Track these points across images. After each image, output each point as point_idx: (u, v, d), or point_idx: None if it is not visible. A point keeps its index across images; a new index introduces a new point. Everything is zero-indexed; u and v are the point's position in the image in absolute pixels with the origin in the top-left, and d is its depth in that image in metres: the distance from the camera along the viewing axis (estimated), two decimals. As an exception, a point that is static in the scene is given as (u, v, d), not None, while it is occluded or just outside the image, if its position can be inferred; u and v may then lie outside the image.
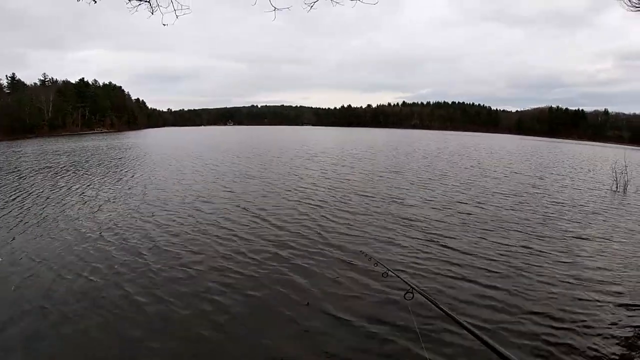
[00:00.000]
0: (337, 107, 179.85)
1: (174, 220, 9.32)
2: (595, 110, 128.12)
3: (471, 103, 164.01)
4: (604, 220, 10.34)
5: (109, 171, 18.72)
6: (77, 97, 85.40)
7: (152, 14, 4.88)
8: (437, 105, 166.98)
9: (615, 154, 31.29)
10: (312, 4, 4.96)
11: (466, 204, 11.78)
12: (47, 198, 11.95)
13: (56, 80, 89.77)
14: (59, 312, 4.95)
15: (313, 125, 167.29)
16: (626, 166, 16.62)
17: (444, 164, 23.77)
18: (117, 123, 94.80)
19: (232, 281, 5.93)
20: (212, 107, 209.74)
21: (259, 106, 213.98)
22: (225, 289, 5.68)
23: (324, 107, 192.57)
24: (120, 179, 16.21)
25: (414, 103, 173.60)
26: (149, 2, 4.85)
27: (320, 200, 11.69)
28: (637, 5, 6.27)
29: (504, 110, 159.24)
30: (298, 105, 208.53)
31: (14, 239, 7.98)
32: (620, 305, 5.36)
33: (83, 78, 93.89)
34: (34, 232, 8.44)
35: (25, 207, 10.70)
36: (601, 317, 5.00)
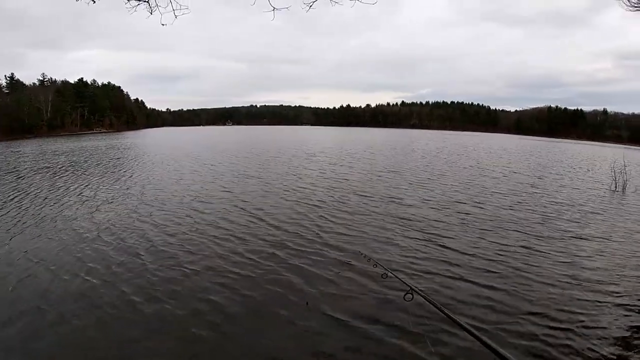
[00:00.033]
0: (336, 107, 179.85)
1: (171, 221, 9.30)
2: (594, 110, 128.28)
3: (470, 103, 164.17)
4: (603, 220, 10.33)
5: (108, 171, 18.69)
6: (75, 97, 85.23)
7: (151, 13, 4.89)
8: (436, 105, 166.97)
9: (614, 153, 31.30)
10: (311, 4, 4.95)
11: (465, 203, 11.77)
12: (45, 198, 11.93)
13: (55, 80, 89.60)
14: (56, 313, 4.93)
15: (312, 125, 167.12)
16: (625, 166, 16.64)
17: (443, 164, 23.77)
18: (116, 123, 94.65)
19: (230, 281, 5.91)
20: (211, 107, 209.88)
21: (258, 106, 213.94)
22: (223, 289, 5.66)
23: (323, 107, 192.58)
24: (119, 179, 16.18)
25: (412, 103, 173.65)
26: (147, 2, 4.84)
27: (319, 200, 11.67)
28: (636, 5, 6.26)
29: (502, 110, 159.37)
30: (297, 105, 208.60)
31: (12, 239, 7.96)
32: (619, 305, 5.35)
33: (82, 78, 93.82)
34: (31, 232, 8.41)
35: (23, 208, 10.68)
36: (600, 317, 4.99)
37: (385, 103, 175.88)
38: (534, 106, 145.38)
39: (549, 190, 14.98)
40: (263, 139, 53.36)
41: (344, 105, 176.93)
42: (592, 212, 11.22)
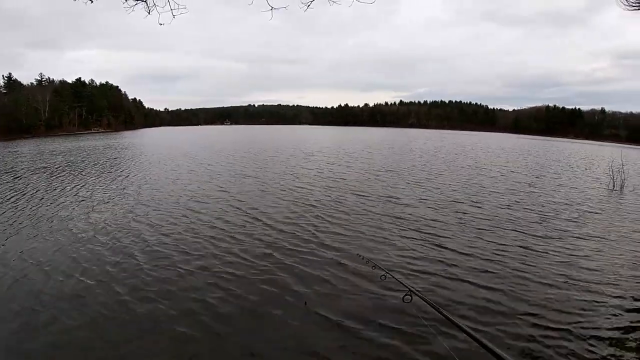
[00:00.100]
0: (334, 107, 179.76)
1: (167, 221, 9.26)
2: (592, 109, 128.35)
3: (468, 102, 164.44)
4: (601, 219, 10.32)
5: (105, 171, 18.62)
6: (73, 97, 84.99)
7: (149, 13, 4.88)
8: (434, 104, 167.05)
9: (612, 152, 31.31)
10: (309, 3, 4.93)
11: (463, 203, 11.75)
12: (42, 198, 11.87)
13: (53, 80, 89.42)
14: (51, 313, 4.91)
15: (310, 124, 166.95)
16: (623, 165, 16.65)
17: (441, 163, 23.78)
18: (114, 123, 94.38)
19: (226, 282, 5.87)
20: (209, 107, 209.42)
21: (256, 105, 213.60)
22: (218, 289, 5.62)
23: (321, 107, 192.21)
24: (115, 179, 16.12)
25: (411, 102, 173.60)
26: (145, 1, 4.82)
27: (316, 200, 11.64)
28: (633, 5, 6.23)
29: (500, 109, 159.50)
30: (295, 105, 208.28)
31: (7, 239, 7.93)
32: (617, 305, 5.32)
33: (80, 78, 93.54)
34: (27, 232, 8.37)
35: (19, 208, 10.62)
36: (597, 317, 4.96)
37: (383, 102, 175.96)
38: (532, 105, 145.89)
39: (546, 190, 14.97)
40: (261, 139, 53.31)
41: (342, 105, 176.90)
42: (590, 212, 11.21)
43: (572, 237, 8.56)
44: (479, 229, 8.94)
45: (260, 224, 9.04)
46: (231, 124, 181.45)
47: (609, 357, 4.12)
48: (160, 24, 4.94)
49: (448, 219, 9.73)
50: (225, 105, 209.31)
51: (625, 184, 16.12)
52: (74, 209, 10.52)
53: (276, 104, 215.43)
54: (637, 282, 6.14)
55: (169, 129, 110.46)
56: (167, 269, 6.35)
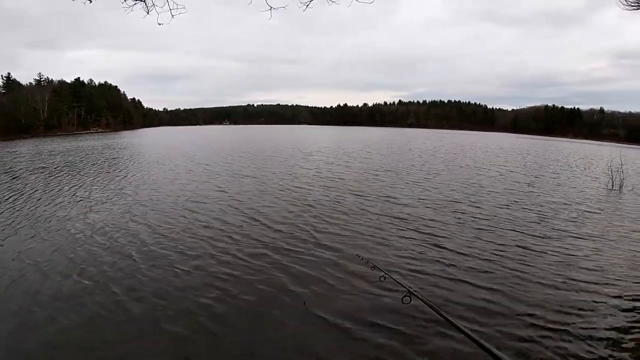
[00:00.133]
0: (334, 106, 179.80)
1: (165, 221, 9.23)
2: (590, 109, 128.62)
3: (467, 102, 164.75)
4: (600, 219, 10.32)
5: (103, 171, 18.58)
6: (72, 96, 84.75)
7: (148, 13, 4.89)
8: (433, 104, 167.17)
9: (611, 152, 31.37)
10: (307, 3, 4.94)
11: (462, 203, 11.75)
12: (40, 199, 11.83)
13: (52, 80, 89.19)
14: (48, 313, 4.89)
15: (309, 124, 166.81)
16: (622, 164, 16.66)
17: (440, 163, 23.80)
18: (112, 123, 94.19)
19: (224, 283, 5.85)
20: (208, 107, 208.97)
21: (255, 105, 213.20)
22: (216, 290, 5.60)
23: (320, 107, 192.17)
24: (114, 179, 16.09)
25: (410, 102, 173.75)
26: (144, 1, 4.81)
27: (314, 200, 11.62)
28: (632, 4, 6.22)
29: (499, 109, 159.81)
30: (294, 105, 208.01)
31: (5, 239, 7.89)
32: (615, 306, 5.32)
33: (79, 78, 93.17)
34: (25, 233, 8.34)
35: (17, 208, 10.58)
36: (596, 318, 4.95)
37: (382, 102, 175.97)
38: (531, 105, 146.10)
39: (545, 189, 14.98)
40: (259, 139, 53.29)
41: (341, 105, 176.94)
42: (589, 211, 11.21)
43: (571, 236, 8.56)
44: (478, 228, 8.93)
45: (258, 224, 9.02)
46: (230, 123, 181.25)
47: (607, 357, 4.11)
48: (159, 24, 4.95)
49: (447, 219, 9.72)
50: (224, 105, 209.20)
51: (624, 184, 16.12)
52: (71, 209, 10.49)
53: (275, 103, 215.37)
54: (636, 282, 6.14)
55: (167, 129, 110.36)
56: (165, 269, 6.33)
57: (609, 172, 16.75)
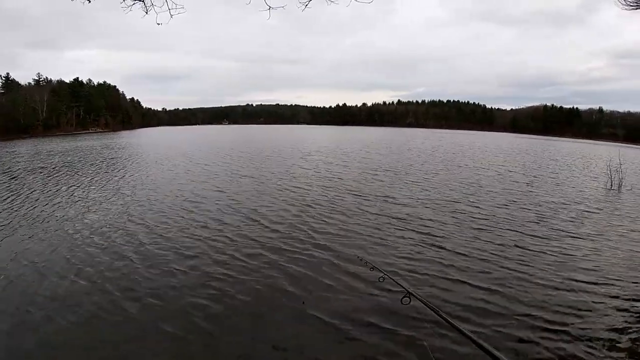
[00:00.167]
0: (333, 106, 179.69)
1: (163, 222, 9.21)
2: (589, 109, 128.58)
3: (466, 101, 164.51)
4: (598, 219, 10.32)
5: (101, 171, 18.54)
6: (71, 96, 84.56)
7: (147, 13, 4.88)
8: (432, 103, 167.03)
9: (609, 151, 31.41)
10: (306, 3, 4.95)
11: (461, 203, 11.74)
12: (38, 199, 11.80)
13: (50, 80, 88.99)
14: (44, 314, 4.88)
15: (308, 124, 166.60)
16: (621, 164, 16.67)
17: (438, 162, 23.80)
18: (111, 123, 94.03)
19: (222, 284, 5.84)
20: (207, 107, 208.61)
21: (254, 105, 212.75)
22: (214, 291, 5.59)
23: (319, 106, 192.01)
24: (112, 179, 16.05)
25: (409, 102, 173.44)
26: (142, 1, 4.80)
27: (313, 200, 11.61)
28: (631, 4, 6.22)
29: (498, 109, 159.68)
30: (293, 104, 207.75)
31: (2, 240, 7.88)
32: (614, 306, 5.32)
33: (77, 77, 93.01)
34: (23, 233, 8.32)
35: (15, 208, 10.56)
36: (595, 318, 4.95)
37: (381, 102, 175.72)
38: (530, 105, 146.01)
39: (544, 189, 14.98)
40: (258, 138, 53.23)
41: (340, 105, 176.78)
42: (587, 211, 11.21)
43: (570, 236, 8.56)
44: (477, 228, 8.92)
45: (257, 224, 9.01)
46: (229, 123, 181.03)
47: (606, 357, 4.11)
48: (158, 24, 4.94)
49: (446, 219, 9.71)
50: (223, 105, 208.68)
51: (623, 183, 16.13)
52: (69, 209, 10.46)
53: (274, 103, 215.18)
54: (634, 282, 6.13)
55: (166, 129, 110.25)
56: (162, 269, 6.31)
57: (608, 171, 16.75)
